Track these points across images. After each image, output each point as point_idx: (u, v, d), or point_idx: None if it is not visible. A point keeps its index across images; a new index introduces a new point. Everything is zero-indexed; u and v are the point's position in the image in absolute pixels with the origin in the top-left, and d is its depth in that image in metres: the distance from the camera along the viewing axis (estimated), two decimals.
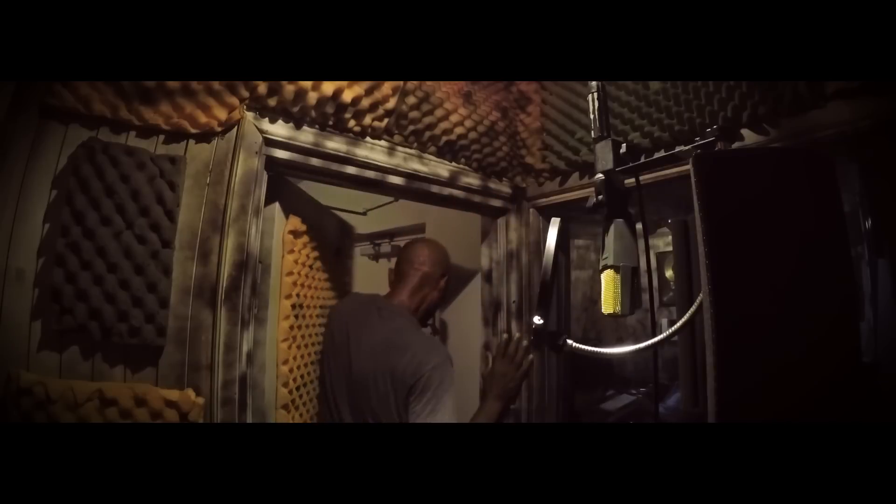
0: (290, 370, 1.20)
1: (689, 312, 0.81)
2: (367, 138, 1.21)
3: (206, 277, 0.93)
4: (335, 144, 1.15)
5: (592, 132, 1.04)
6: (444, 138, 1.34)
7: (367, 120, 1.18)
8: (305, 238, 1.32)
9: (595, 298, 1.87)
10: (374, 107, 1.17)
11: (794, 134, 0.95)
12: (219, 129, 0.97)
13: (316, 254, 1.39)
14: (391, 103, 1.19)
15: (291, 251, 1.25)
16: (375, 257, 2.84)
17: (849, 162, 0.94)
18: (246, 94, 1.00)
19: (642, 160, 1.01)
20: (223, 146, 0.98)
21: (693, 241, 1.13)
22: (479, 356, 1.63)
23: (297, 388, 1.24)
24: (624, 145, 0.99)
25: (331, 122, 1.14)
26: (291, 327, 1.22)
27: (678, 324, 0.83)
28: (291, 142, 1.08)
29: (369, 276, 2.40)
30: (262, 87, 1.00)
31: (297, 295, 1.26)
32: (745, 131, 1.02)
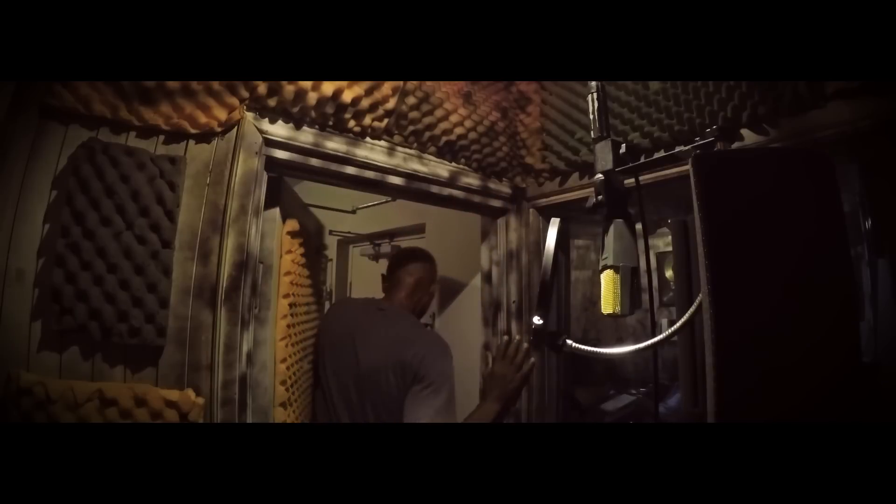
0: (287, 367, 1.21)
1: (689, 313, 0.81)
2: (367, 138, 1.21)
3: (206, 278, 0.93)
4: (335, 145, 1.15)
5: (592, 132, 1.04)
6: (444, 138, 1.34)
7: (367, 120, 1.18)
8: (300, 238, 1.33)
9: (595, 299, 1.87)
10: (373, 107, 1.17)
11: (794, 134, 0.95)
12: (219, 130, 0.97)
13: (302, 250, 1.40)
14: (391, 103, 1.20)
15: (289, 251, 1.26)
16: (375, 257, 2.85)
17: (849, 162, 0.94)
18: (246, 94, 1.00)
19: (642, 160, 1.01)
20: (223, 146, 0.98)
21: (693, 242, 1.13)
22: (479, 356, 1.64)
23: (293, 385, 1.25)
24: (623, 145, 1.00)
25: (331, 123, 1.14)
26: (288, 325, 1.23)
27: (678, 324, 0.83)
28: (291, 142, 1.08)
29: (369, 276, 2.40)
30: (262, 88, 1.00)
31: (293, 294, 1.27)
32: (744, 131, 1.02)
